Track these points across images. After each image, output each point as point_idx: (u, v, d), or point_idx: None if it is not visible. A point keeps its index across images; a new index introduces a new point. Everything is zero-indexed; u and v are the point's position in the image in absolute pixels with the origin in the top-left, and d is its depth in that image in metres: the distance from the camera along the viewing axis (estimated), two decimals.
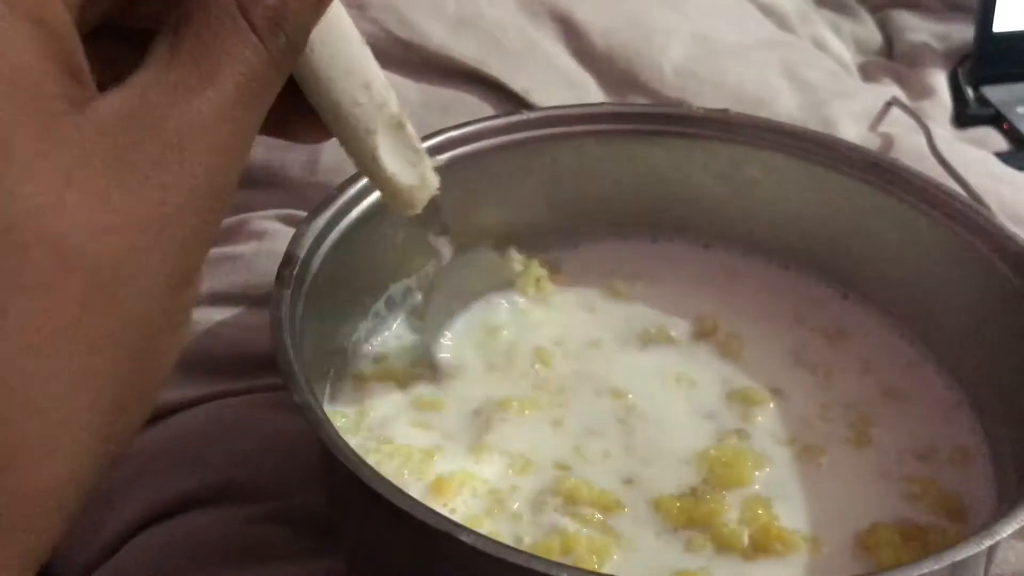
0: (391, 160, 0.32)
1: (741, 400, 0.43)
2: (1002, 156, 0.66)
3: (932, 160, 0.58)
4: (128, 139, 0.21)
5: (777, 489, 0.40)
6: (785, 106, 0.64)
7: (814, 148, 0.48)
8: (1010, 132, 0.72)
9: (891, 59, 0.80)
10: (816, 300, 0.49)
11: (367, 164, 0.32)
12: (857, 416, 0.43)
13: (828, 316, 0.48)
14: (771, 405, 0.43)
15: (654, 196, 0.51)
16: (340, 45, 0.29)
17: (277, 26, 0.24)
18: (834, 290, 0.49)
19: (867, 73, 0.78)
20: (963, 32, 0.79)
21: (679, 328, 0.47)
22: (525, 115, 0.48)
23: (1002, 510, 0.33)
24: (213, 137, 0.23)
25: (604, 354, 0.46)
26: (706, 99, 0.63)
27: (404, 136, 0.32)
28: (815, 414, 0.43)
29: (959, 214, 0.44)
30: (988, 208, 0.50)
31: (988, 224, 0.43)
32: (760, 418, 0.43)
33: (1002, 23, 0.76)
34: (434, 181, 0.34)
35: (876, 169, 0.46)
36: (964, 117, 0.74)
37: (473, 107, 0.60)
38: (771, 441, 0.42)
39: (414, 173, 0.33)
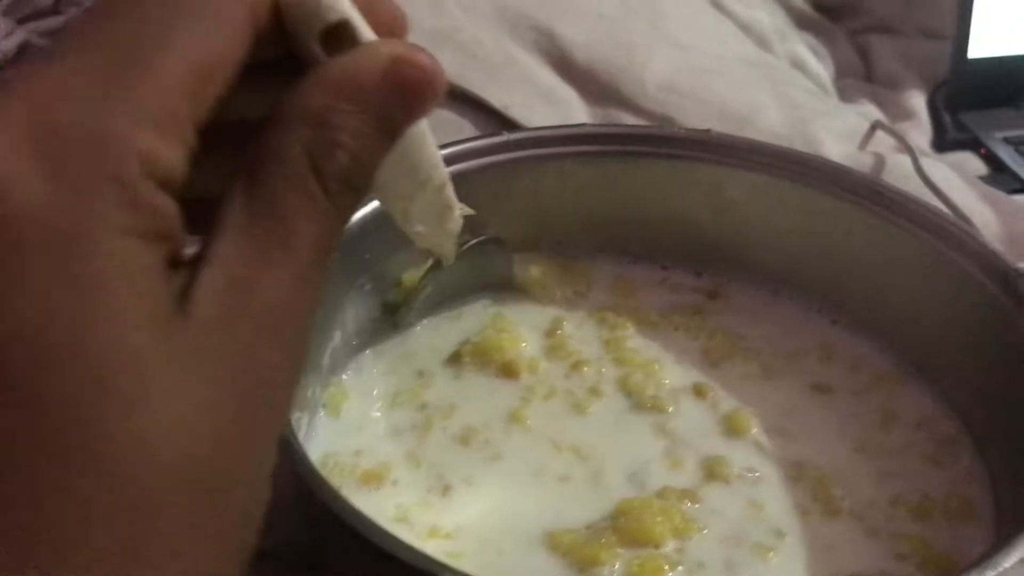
0: (421, 221, 0.30)
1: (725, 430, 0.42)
2: (981, 180, 0.66)
3: (916, 182, 0.58)
4: (227, 333, 0.20)
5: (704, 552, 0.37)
6: (769, 123, 0.63)
7: (797, 168, 0.47)
8: (988, 157, 0.72)
9: (869, 82, 0.80)
10: (804, 322, 0.48)
11: (397, 221, 0.31)
12: (834, 471, 0.40)
13: (816, 342, 0.47)
14: (751, 432, 0.42)
15: (636, 217, 0.50)
16: (399, 160, 0.26)
17: (348, 184, 0.23)
18: (823, 316, 0.48)
19: (845, 94, 0.77)
20: (939, 58, 0.78)
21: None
22: (505, 136, 0.47)
23: (1003, 541, 0.32)
24: (297, 308, 0.22)
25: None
26: (689, 114, 0.62)
27: (443, 197, 0.30)
28: (793, 458, 0.41)
29: (946, 233, 0.43)
30: (975, 228, 0.50)
31: (975, 243, 0.43)
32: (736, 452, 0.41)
33: (977, 50, 0.75)
34: (456, 227, 0.33)
35: (861, 189, 0.46)
36: (943, 142, 0.73)
37: (451, 123, 0.59)
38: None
39: (443, 230, 0.32)
